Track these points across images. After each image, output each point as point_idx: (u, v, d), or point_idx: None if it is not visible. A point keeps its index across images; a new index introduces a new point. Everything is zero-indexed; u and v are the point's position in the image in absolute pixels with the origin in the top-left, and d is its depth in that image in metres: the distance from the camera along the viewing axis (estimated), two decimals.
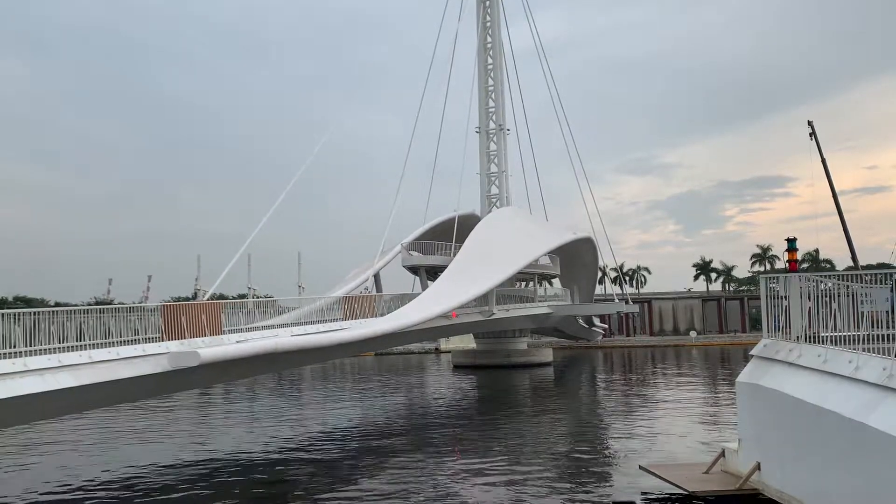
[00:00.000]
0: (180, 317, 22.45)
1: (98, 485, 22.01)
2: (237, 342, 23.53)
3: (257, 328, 27.12)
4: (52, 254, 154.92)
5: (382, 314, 36.74)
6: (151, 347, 20.83)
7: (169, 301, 57.30)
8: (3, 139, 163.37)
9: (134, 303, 61.24)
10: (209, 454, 26.84)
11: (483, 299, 49.63)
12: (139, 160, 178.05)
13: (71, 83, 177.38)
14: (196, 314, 23.12)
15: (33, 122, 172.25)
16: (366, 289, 44.30)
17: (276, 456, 26.12)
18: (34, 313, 18.40)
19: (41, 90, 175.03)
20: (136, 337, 21.34)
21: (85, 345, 19.16)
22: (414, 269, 58.70)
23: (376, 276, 51.34)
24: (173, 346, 21.36)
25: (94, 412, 34.36)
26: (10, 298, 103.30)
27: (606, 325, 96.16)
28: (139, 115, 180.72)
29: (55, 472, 24.00)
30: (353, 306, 34.94)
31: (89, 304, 57.35)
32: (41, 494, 20.89)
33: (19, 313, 18.17)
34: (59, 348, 18.36)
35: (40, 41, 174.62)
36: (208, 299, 30.68)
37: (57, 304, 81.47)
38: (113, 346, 19.98)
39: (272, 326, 28.30)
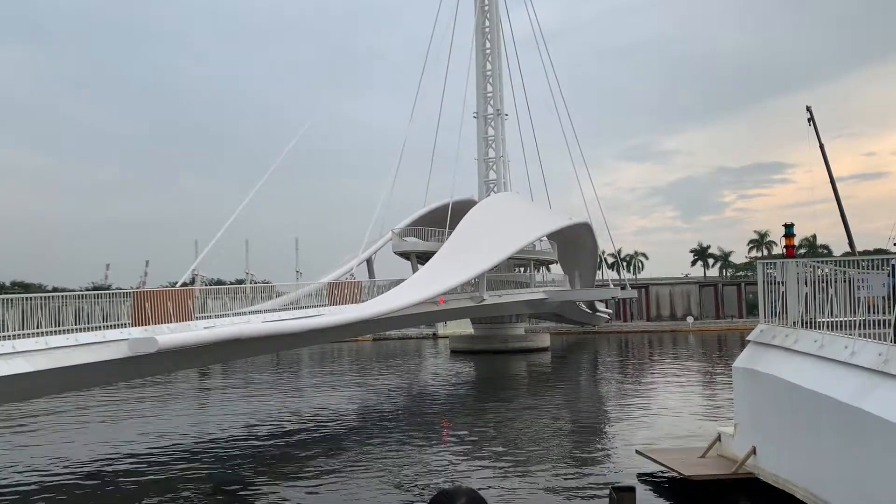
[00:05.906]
0: (144, 303, 22.01)
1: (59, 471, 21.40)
2: (204, 328, 23.03)
3: (227, 315, 26.61)
4: (52, 239, 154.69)
5: (366, 300, 36.13)
6: (113, 333, 20.37)
7: (166, 286, 56.80)
8: (4, 124, 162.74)
9: (131, 287, 60.80)
10: (194, 437, 26.34)
11: (474, 284, 48.97)
12: (140, 146, 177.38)
13: (71, 69, 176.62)
14: (161, 301, 22.72)
15: (34, 107, 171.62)
16: (352, 275, 43.68)
17: (261, 438, 25.60)
18: (3, 301, 17.92)
19: (42, 75, 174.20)
20: (104, 323, 20.85)
21: (44, 331, 18.70)
22: (406, 255, 58.07)
23: (369, 262, 50.65)
24: (137, 332, 20.90)
25: (90, 392, 33.95)
26: (8, 283, 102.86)
27: (611, 310, 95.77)
28: (140, 101, 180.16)
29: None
30: (333, 292, 34.40)
31: (86, 290, 56.86)
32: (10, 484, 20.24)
33: None
34: (21, 334, 17.82)
35: (41, 27, 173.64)
36: (182, 285, 30.20)
37: (55, 290, 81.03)
38: (79, 331, 19.44)
39: (244, 313, 27.82)
